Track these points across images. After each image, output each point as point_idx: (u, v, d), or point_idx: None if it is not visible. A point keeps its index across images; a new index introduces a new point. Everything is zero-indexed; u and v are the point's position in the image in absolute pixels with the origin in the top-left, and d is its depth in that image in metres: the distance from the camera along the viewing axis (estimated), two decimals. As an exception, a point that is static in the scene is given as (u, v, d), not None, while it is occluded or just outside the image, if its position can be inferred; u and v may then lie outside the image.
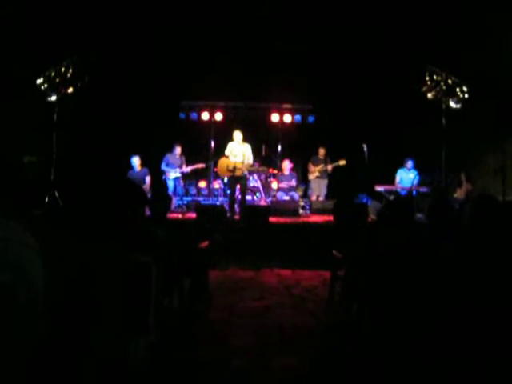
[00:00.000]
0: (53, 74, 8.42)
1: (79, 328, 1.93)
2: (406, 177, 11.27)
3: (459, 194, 10.44)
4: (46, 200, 8.38)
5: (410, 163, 11.29)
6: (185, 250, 4.51)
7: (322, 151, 11.99)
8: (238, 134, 10.14)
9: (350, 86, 12.22)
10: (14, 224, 1.26)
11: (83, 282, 2.08)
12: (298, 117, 13.44)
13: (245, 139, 10.26)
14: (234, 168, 9.80)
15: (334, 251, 5.24)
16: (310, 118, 13.42)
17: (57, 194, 8.41)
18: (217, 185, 12.55)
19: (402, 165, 11.40)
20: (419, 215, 7.81)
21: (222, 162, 10.18)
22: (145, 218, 4.23)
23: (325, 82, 12.31)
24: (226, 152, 10.16)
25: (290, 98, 13.25)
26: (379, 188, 10.95)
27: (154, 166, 11.35)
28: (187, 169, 11.49)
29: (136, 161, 11.13)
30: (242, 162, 9.91)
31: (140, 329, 2.25)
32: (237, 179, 9.99)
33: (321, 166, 11.83)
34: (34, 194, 8.73)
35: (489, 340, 2.30)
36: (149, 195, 7.60)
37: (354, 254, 3.99)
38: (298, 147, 13.67)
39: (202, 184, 13.22)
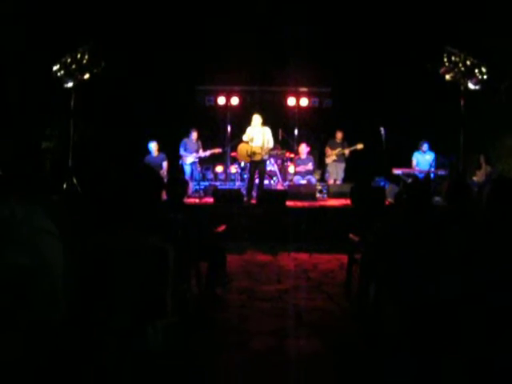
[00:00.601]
0: (69, 60, 8.43)
1: (98, 311, 1.97)
2: (423, 159, 11.17)
3: (479, 176, 10.32)
4: (64, 186, 8.44)
5: (425, 146, 11.17)
6: (202, 234, 4.53)
7: (339, 135, 11.88)
8: (257, 118, 10.09)
9: (367, 68, 12.10)
10: (33, 209, 1.28)
11: (101, 266, 2.11)
12: (315, 100, 13.35)
13: (263, 123, 10.22)
14: (253, 153, 9.78)
15: (351, 235, 5.24)
16: (328, 102, 13.32)
17: (75, 181, 8.48)
18: (234, 169, 12.53)
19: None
20: (437, 198, 7.73)
21: (242, 147, 10.19)
22: (162, 202, 4.26)
23: (342, 66, 12.19)
24: (244, 138, 10.11)
25: (306, 82, 13.18)
26: (397, 171, 10.86)
27: (171, 151, 11.38)
28: (204, 153, 11.50)
29: (153, 146, 11.18)
30: (262, 147, 9.88)
31: (158, 312, 2.27)
32: (256, 164, 10.00)
33: (338, 150, 11.75)
34: (53, 181, 8.81)
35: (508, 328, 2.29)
36: (166, 180, 7.64)
37: (371, 238, 3.98)
38: (315, 131, 13.62)
39: (219, 169, 13.21)
